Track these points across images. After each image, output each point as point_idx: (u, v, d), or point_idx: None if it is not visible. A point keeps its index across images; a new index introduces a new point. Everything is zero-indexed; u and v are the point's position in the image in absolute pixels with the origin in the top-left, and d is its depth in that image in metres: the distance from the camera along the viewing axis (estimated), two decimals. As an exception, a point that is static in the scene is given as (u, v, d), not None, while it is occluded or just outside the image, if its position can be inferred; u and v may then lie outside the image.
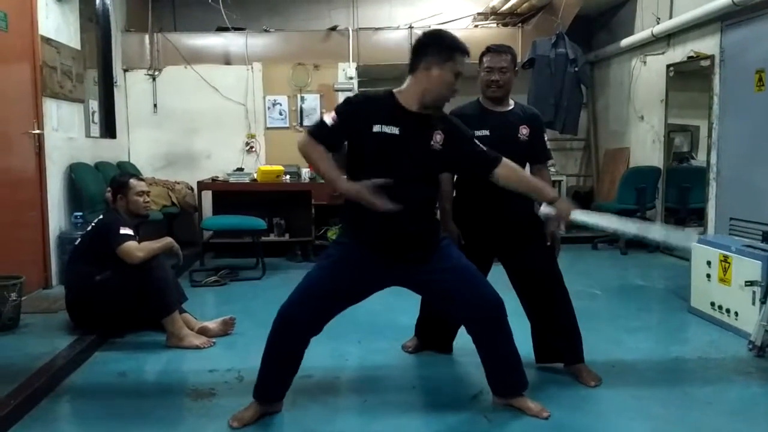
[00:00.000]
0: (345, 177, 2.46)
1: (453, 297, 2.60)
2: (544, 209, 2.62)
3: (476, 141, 2.63)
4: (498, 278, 3.12)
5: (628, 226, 2.59)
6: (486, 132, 2.97)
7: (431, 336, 3.41)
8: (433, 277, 2.56)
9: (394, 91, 2.52)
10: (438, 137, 2.51)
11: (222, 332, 3.75)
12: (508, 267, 3.11)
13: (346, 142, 2.52)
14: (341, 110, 2.48)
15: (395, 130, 2.43)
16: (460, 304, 2.61)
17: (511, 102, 3.12)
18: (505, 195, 3.01)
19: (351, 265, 2.53)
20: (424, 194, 2.54)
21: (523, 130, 3.05)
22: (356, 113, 2.46)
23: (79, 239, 3.74)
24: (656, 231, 2.51)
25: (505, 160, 2.60)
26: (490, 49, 3.06)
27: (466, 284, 2.58)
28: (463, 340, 2.98)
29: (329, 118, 2.47)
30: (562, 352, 3.08)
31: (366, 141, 2.44)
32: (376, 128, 2.42)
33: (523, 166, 3.13)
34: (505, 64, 3.01)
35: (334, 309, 2.58)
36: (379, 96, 2.54)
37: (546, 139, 3.21)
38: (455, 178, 3.13)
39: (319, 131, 2.47)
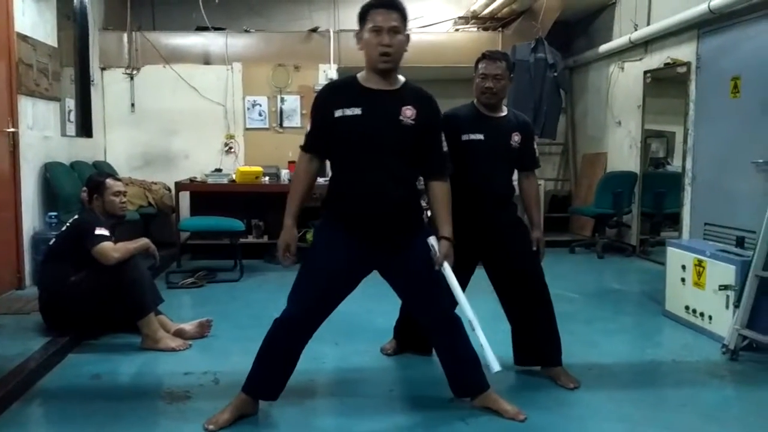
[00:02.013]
0: (289, 228, 2.54)
1: (420, 292, 2.63)
2: (431, 240, 2.59)
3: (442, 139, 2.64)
4: (475, 282, 3.14)
5: (466, 310, 2.54)
6: (480, 136, 2.99)
7: (410, 338, 3.40)
8: (410, 267, 2.58)
9: (358, 75, 2.57)
10: (408, 112, 2.50)
11: (198, 334, 3.72)
12: (493, 270, 3.11)
13: None
14: (312, 109, 2.59)
15: (357, 111, 2.46)
16: (424, 303, 2.65)
17: (504, 108, 3.14)
18: (490, 200, 3.03)
19: (336, 247, 2.52)
20: (399, 171, 2.52)
21: (515, 137, 3.07)
22: (322, 105, 2.54)
23: (54, 239, 3.68)
24: (480, 333, 2.50)
25: (448, 178, 2.64)
26: (485, 56, 3.06)
27: (433, 283, 2.59)
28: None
29: (309, 124, 2.60)
30: (542, 355, 3.09)
31: (332, 127, 2.50)
32: (338, 113, 2.47)
33: (512, 173, 3.17)
34: (500, 72, 3.01)
35: (327, 297, 2.55)
36: (344, 81, 2.63)
37: (535, 146, 3.23)
38: None
39: (305, 141, 2.60)
